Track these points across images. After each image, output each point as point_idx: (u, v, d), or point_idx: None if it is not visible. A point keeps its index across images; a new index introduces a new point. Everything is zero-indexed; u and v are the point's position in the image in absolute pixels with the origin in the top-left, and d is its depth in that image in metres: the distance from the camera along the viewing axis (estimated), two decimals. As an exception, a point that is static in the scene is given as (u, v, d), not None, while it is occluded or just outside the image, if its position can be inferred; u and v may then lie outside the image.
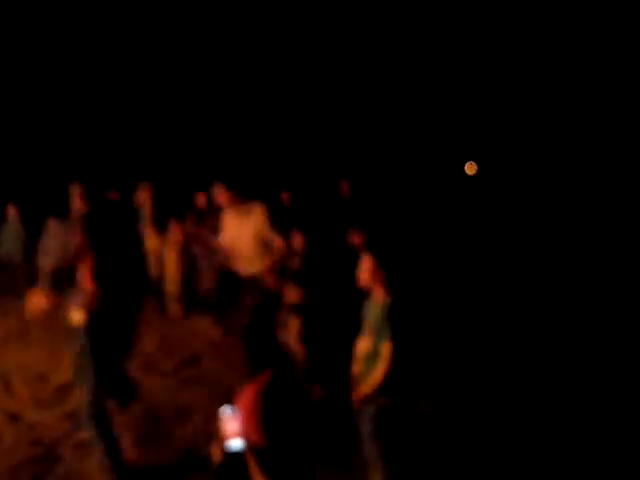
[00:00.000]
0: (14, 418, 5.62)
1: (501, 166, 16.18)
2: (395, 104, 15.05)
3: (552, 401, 5.90)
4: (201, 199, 9.84)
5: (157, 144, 14.21)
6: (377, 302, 4.21)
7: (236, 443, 2.41)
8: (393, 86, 14.86)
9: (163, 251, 9.47)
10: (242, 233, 6.67)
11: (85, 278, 4.44)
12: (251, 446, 2.16)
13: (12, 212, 10.55)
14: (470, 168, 16.74)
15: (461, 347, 7.25)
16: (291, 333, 6.01)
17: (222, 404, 2.52)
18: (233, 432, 2.46)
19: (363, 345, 4.20)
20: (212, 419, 5.62)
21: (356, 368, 4.31)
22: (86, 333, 4.46)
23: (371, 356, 4.10)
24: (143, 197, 9.81)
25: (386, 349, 4.00)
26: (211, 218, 9.80)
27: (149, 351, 7.60)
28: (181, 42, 14.56)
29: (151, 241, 9.47)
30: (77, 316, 4.48)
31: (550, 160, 15.41)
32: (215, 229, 7.59)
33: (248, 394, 2.21)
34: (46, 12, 13.77)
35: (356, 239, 7.23)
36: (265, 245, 6.65)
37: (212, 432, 5.28)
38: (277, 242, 6.59)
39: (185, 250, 9.44)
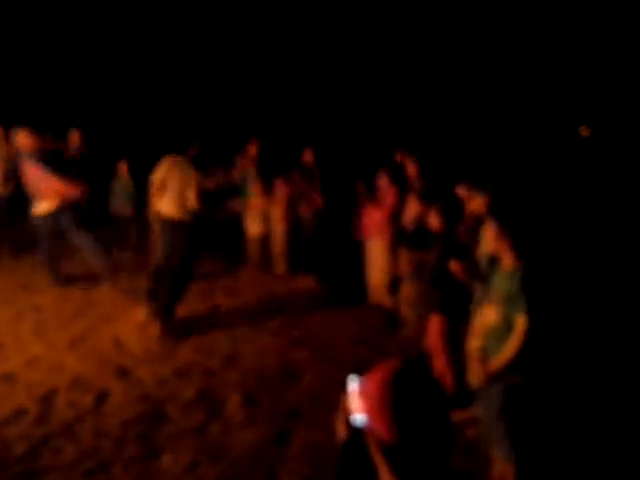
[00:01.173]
0: (124, 373, 5.64)
1: (615, 128, 15.12)
2: (512, 66, 14.23)
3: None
4: (308, 156, 9.64)
5: (263, 102, 14.07)
6: (505, 269, 3.80)
7: (362, 418, 2.11)
8: (506, 44, 14.02)
9: (269, 209, 9.37)
10: None
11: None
12: (378, 442, 1.84)
13: (122, 168, 10.73)
14: (584, 130, 16.04)
15: (590, 317, 6.72)
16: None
17: (347, 374, 2.21)
18: (358, 407, 2.15)
19: (489, 316, 3.81)
20: (320, 383, 5.61)
21: (476, 342, 3.94)
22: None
23: (500, 329, 3.71)
24: (250, 154, 9.72)
25: (520, 322, 3.59)
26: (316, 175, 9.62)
27: (256, 309, 7.53)
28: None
29: (257, 199, 9.39)
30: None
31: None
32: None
33: (375, 382, 1.89)
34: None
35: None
36: None
37: (320, 397, 5.22)
38: None
39: (290, 208, 9.29)
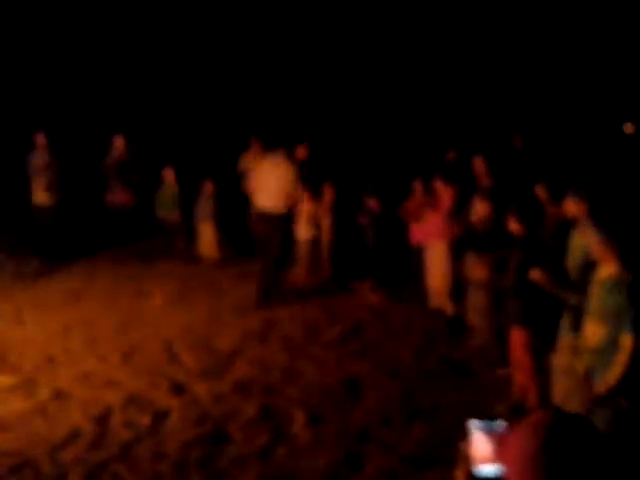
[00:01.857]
0: (180, 390, 5.38)
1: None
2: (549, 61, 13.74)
3: None
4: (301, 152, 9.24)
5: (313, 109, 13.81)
6: (607, 280, 3.41)
7: (489, 469, 1.76)
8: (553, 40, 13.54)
9: (318, 214, 9.10)
10: None
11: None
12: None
13: (169, 174, 10.52)
14: (629, 128, 15.62)
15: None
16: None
17: (469, 419, 1.88)
18: (485, 456, 1.81)
19: (591, 333, 3.42)
20: (385, 402, 5.26)
21: (580, 362, 3.55)
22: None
23: (604, 347, 3.32)
24: (297, 157, 9.43)
25: (627, 340, 3.20)
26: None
27: (310, 318, 7.23)
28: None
29: (305, 203, 9.11)
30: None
31: None
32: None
33: (520, 438, 1.53)
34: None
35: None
36: None
37: (388, 416, 4.88)
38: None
39: (337, 213, 9.04)
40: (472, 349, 6.09)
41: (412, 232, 7.85)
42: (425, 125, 13.15)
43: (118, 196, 10.51)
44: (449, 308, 7.08)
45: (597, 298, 3.42)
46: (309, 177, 9.35)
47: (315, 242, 9.18)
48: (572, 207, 4.41)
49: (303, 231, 9.24)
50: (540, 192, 5.23)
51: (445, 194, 7.20)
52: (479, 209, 5.97)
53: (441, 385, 5.41)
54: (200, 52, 14.08)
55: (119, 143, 10.36)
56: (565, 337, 4.21)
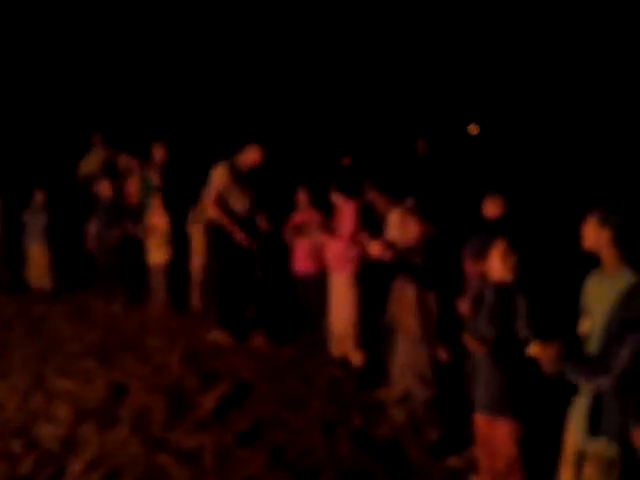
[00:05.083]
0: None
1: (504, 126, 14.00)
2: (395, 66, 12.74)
3: None
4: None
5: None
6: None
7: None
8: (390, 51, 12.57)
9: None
10: None
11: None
12: None
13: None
14: (473, 129, 15.17)
15: None
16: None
17: None
18: None
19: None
20: None
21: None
22: None
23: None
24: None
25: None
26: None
27: (177, 381, 5.37)
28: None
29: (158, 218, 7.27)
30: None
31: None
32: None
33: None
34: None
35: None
36: None
37: None
38: None
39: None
40: (397, 423, 4.51)
41: (296, 257, 6.23)
42: (312, 126, 11.57)
43: None
44: (357, 358, 5.51)
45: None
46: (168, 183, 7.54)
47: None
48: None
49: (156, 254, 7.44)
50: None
51: (346, 210, 5.64)
52: (409, 229, 4.39)
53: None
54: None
55: (159, 152, 7.81)
56: (573, 438, 2.75)
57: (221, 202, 6.22)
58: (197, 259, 7.21)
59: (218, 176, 6.26)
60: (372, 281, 5.25)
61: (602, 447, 2.52)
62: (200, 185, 6.72)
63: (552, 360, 2.72)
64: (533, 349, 2.79)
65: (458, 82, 12.67)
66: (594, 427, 2.60)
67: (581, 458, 2.62)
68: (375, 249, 4.45)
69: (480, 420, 3.23)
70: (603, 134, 11.00)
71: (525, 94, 12.37)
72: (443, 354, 3.23)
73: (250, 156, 6.32)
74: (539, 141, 11.42)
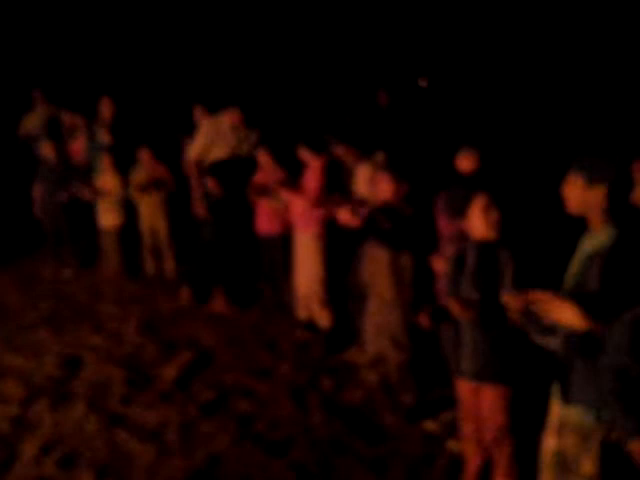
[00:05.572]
0: None
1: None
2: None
3: None
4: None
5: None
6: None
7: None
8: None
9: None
10: None
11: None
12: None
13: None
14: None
15: None
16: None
17: None
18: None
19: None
20: None
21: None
22: None
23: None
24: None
25: None
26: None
27: (135, 351, 5.07)
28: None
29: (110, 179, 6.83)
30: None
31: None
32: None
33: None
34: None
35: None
36: None
37: None
38: None
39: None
40: (370, 387, 4.34)
41: (259, 217, 5.93)
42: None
43: None
44: (324, 319, 5.30)
45: None
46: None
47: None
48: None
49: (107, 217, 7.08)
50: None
51: (313, 166, 5.35)
52: (382, 188, 4.14)
53: (343, 465, 3.58)
54: None
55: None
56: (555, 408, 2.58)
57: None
58: (145, 223, 6.88)
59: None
60: (338, 238, 5.01)
61: (578, 416, 2.35)
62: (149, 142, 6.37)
63: (518, 310, 2.50)
64: (505, 298, 2.56)
65: (414, 32, 12.30)
66: (565, 394, 2.43)
67: (562, 427, 2.46)
68: (344, 216, 4.18)
69: (465, 387, 3.05)
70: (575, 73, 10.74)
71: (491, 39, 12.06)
72: (425, 320, 3.01)
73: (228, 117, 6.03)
74: (510, 88, 11.17)
